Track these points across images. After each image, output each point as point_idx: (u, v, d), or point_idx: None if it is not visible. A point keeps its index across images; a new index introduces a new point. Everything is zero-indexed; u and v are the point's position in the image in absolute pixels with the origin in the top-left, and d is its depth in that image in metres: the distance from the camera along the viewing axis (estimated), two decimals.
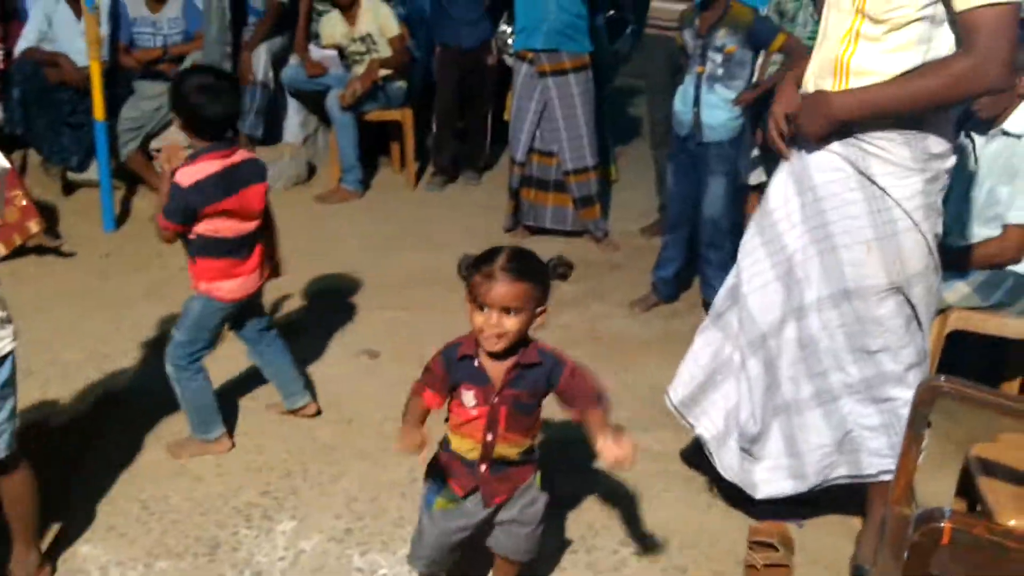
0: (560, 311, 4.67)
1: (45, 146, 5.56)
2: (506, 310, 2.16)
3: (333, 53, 6.12)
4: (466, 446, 2.33)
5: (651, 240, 5.59)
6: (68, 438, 3.39)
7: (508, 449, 2.32)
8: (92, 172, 5.53)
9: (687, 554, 2.91)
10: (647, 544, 2.94)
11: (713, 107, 4.22)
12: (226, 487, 3.14)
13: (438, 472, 2.41)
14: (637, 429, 3.59)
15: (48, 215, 5.26)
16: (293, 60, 6.27)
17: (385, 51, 6.01)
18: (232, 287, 3.16)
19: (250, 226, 3.15)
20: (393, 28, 5.96)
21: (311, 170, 6.52)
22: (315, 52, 6.21)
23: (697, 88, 4.23)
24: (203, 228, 3.05)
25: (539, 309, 2.23)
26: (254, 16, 6.18)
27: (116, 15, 5.79)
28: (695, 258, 4.68)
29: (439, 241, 5.46)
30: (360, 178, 6.17)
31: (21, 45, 5.57)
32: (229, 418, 3.46)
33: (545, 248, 5.38)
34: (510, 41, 6.62)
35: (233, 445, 3.36)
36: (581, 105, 5.29)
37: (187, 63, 5.74)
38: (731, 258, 4.25)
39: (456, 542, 2.45)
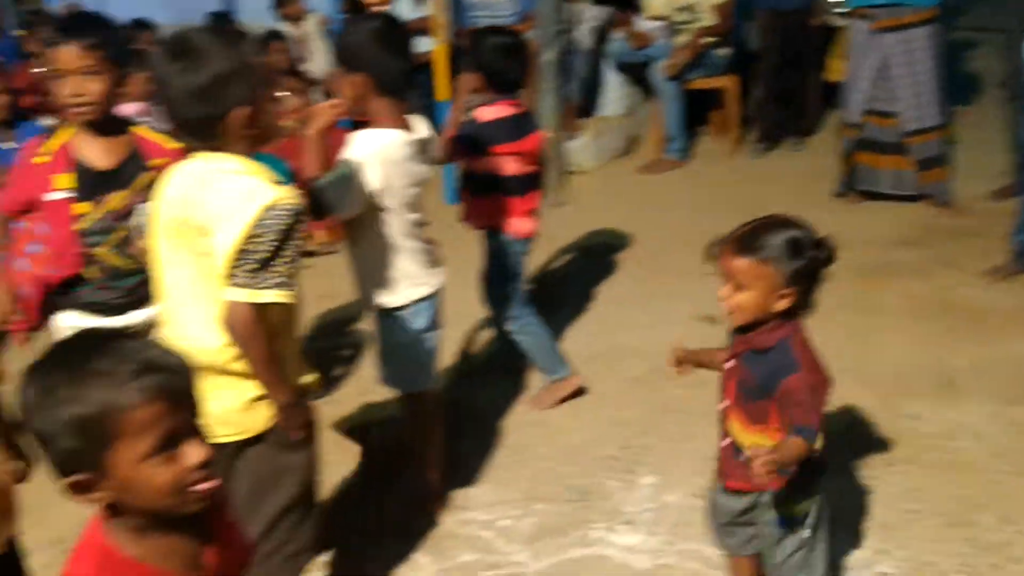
0: (907, 280, 4.46)
1: None
2: (737, 284, 2.04)
3: (658, 24, 6.18)
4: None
5: (1003, 203, 5.15)
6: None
7: (741, 433, 2.14)
8: None
9: None
10: None
11: None
12: (585, 439, 3.33)
13: None
14: (1003, 403, 3.38)
15: None
16: (618, 34, 6.41)
17: (709, 18, 5.98)
18: (522, 224, 3.43)
19: (531, 169, 3.41)
20: None
21: (634, 142, 6.64)
22: (639, 24, 6.30)
23: None
24: (494, 165, 3.33)
25: (782, 291, 2.01)
26: None
27: (457, 1, 6.22)
28: None
29: (763, 209, 5.26)
30: (684, 147, 6.21)
31: None
32: (578, 373, 3.67)
33: (877, 215, 5.22)
34: (835, 0, 6.36)
35: (582, 386, 3.59)
36: (925, 61, 4.99)
37: None
38: None
39: (718, 526, 2.33)
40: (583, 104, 6.43)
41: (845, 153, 5.39)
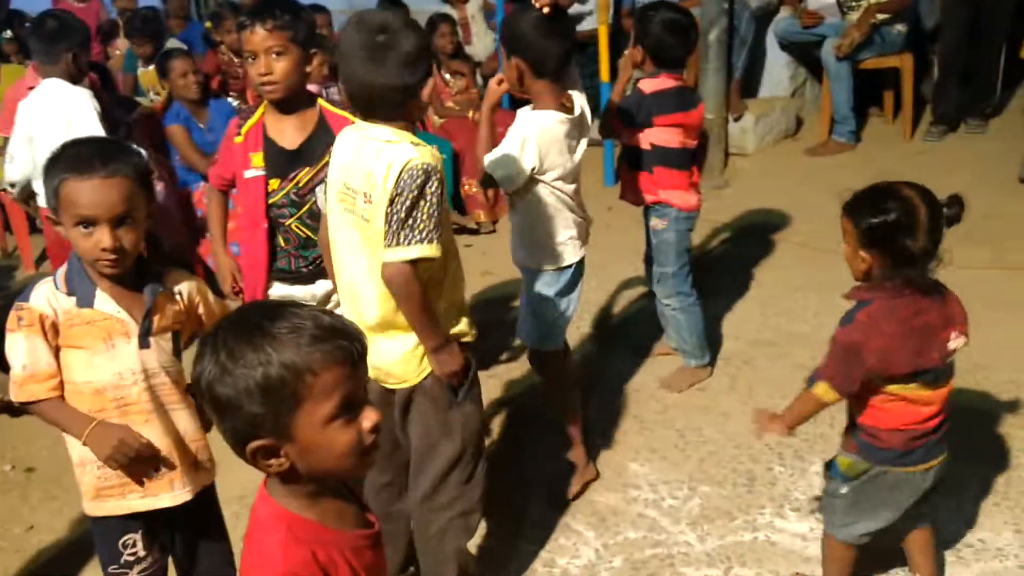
0: None
1: None
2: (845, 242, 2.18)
3: (829, 1, 5.94)
4: None
5: None
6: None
7: None
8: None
9: None
10: None
11: None
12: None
13: None
14: None
15: None
16: (785, 11, 6.21)
17: None
18: (686, 198, 3.42)
19: (693, 143, 3.43)
20: None
21: (799, 123, 6.44)
22: (810, 2, 6.08)
23: None
24: (657, 138, 3.34)
25: (862, 253, 2.12)
26: None
27: None
28: None
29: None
30: (853, 129, 5.97)
31: None
32: (750, 360, 3.61)
33: None
34: None
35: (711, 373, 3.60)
36: None
37: None
38: None
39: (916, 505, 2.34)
40: (747, 84, 6.27)
41: None
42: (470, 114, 5.68)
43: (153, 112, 5.25)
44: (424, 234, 2.04)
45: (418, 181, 2.02)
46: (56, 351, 1.96)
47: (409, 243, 2.04)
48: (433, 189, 2.04)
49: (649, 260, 3.62)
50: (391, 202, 2.03)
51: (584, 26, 5.93)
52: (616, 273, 4.54)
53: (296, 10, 2.64)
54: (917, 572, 2.41)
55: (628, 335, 4.03)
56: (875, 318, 2.09)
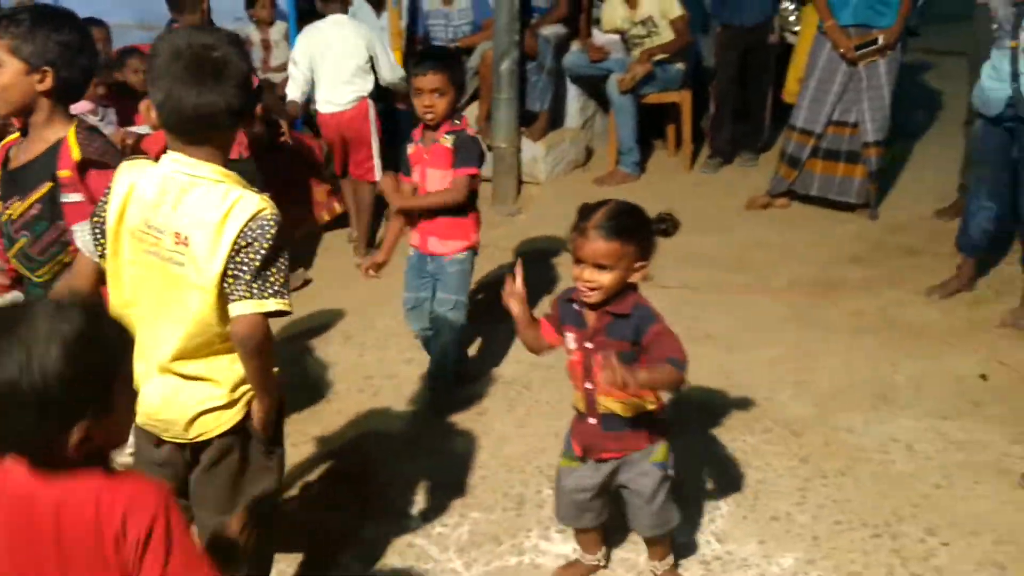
0: (851, 296, 4.53)
1: None
2: (599, 266, 2.22)
3: (615, 38, 6.23)
4: (576, 396, 2.44)
5: (948, 223, 5.26)
6: (382, 394, 3.74)
7: (615, 403, 2.34)
8: None
9: (1004, 551, 2.75)
10: (957, 536, 2.80)
11: None
12: (529, 448, 3.33)
13: (569, 431, 2.51)
14: (937, 417, 3.45)
15: None
16: (575, 46, 6.45)
17: (666, 33, 6.03)
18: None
19: None
20: (675, 9, 5.97)
21: (589, 153, 6.68)
22: (597, 37, 6.34)
23: (1014, 63, 3.92)
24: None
25: (638, 264, 2.26)
26: (538, 13, 6.37)
27: (414, 9, 6.22)
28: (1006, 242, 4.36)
29: (715, 223, 5.44)
30: (637, 160, 6.25)
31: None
32: (529, 384, 3.68)
33: (828, 232, 5.30)
34: (792, 18, 6.45)
35: None
36: (886, 74, 5.21)
37: (477, 53, 6.07)
38: None
39: (581, 503, 2.51)
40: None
41: (790, 159, 5.49)
42: None
43: None
44: (278, 287, 1.96)
45: (271, 232, 1.92)
46: None
47: (264, 296, 1.94)
48: (284, 241, 1.96)
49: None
50: (237, 251, 1.91)
51: None
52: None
53: (36, 22, 2.42)
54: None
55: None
56: (651, 304, 2.33)
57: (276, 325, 2.12)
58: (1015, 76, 3.91)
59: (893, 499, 2.98)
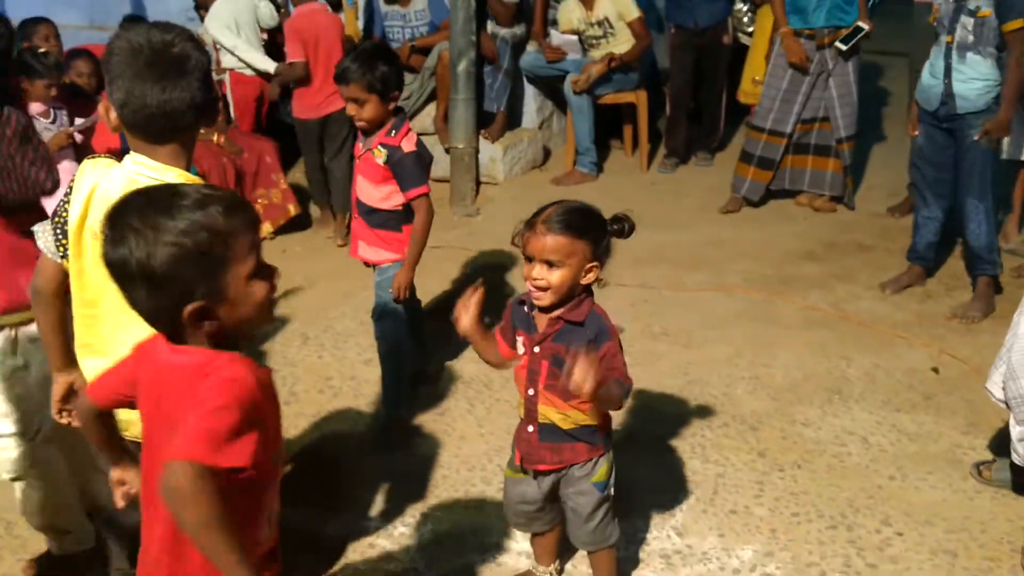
0: (806, 292, 4.60)
1: None
2: (548, 263, 2.15)
3: (571, 38, 6.25)
4: (518, 401, 2.37)
5: (900, 220, 5.38)
6: (342, 395, 3.72)
7: (554, 413, 2.27)
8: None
9: (956, 539, 2.81)
10: (911, 525, 2.86)
11: (966, 77, 4.02)
12: (490, 447, 3.33)
13: (514, 439, 2.45)
14: (891, 410, 3.52)
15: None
16: (531, 47, 6.47)
17: (622, 34, 6.08)
18: None
19: None
20: (632, 11, 6.01)
21: (547, 154, 6.71)
22: (554, 38, 6.37)
23: (947, 59, 4.04)
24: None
25: (589, 264, 2.17)
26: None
27: (370, 10, 6.20)
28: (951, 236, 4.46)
29: (671, 222, 5.49)
30: (594, 160, 6.29)
31: None
32: (489, 383, 3.69)
33: (783, 230, 5.38)
34: (746, 20, 6.54)
35: None
36: (854, 72, 5.38)
37: (434, 53, 6.06)
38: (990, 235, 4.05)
39: (527, 513, 2.48)
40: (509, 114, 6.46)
41: (761, 161, 5.56)
42: (214, 137, 5.50)
43: None
44: None
45: None
46: None
47: None
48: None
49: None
50: None
51: None
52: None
53: None
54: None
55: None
56: (606, 317, 2.25)
57: None
58: (947, 71, 4.03)
59: (849, 491, 3.03)
